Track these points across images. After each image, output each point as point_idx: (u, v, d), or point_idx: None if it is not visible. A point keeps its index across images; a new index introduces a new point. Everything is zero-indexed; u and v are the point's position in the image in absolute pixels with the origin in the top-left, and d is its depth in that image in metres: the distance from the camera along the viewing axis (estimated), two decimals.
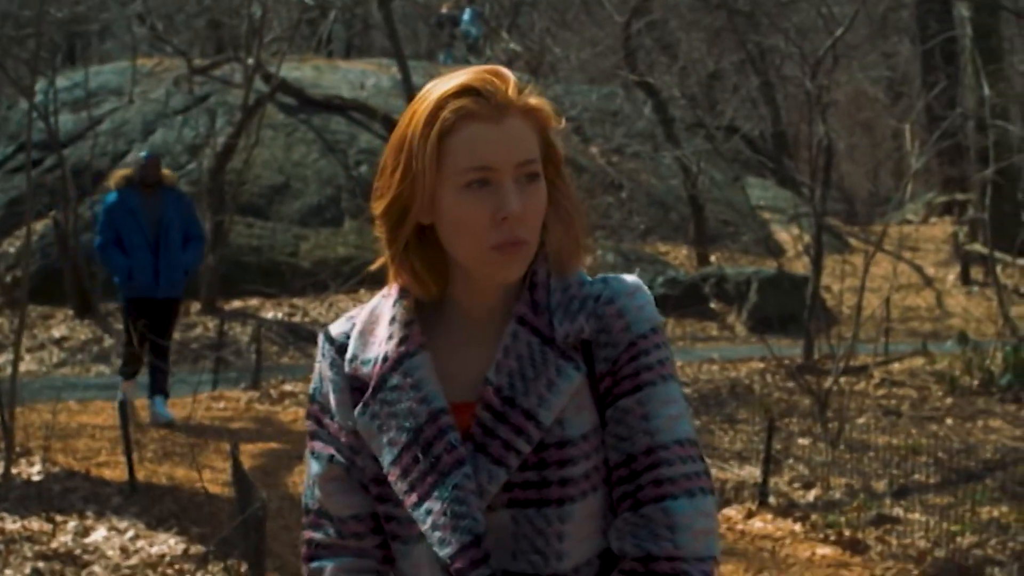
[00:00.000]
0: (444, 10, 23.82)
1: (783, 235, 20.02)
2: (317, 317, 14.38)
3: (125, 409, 7.46)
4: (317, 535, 1.89)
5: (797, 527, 6.60)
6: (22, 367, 12.98)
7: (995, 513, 6.80)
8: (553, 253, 1.81)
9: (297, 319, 14.47)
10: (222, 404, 10.33)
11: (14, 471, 7.52)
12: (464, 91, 1.73)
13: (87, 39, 18.93)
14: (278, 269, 15.33)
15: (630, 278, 1.83)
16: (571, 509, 1.76)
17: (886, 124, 25.40)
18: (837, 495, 7.20)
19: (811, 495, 7.23)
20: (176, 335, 14.07)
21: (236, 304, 14.81)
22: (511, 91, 1.75)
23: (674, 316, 14.79)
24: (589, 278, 1.83)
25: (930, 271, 18.94)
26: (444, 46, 23.22)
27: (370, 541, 1.87)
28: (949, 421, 9.31)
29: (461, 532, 1.74)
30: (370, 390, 1.82)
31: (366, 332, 1.86)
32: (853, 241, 20.93)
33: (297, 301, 14.96)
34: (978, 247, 16.95)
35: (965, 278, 17.88)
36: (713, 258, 18.17)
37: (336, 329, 1.90)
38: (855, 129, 26.11)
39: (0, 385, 8.90)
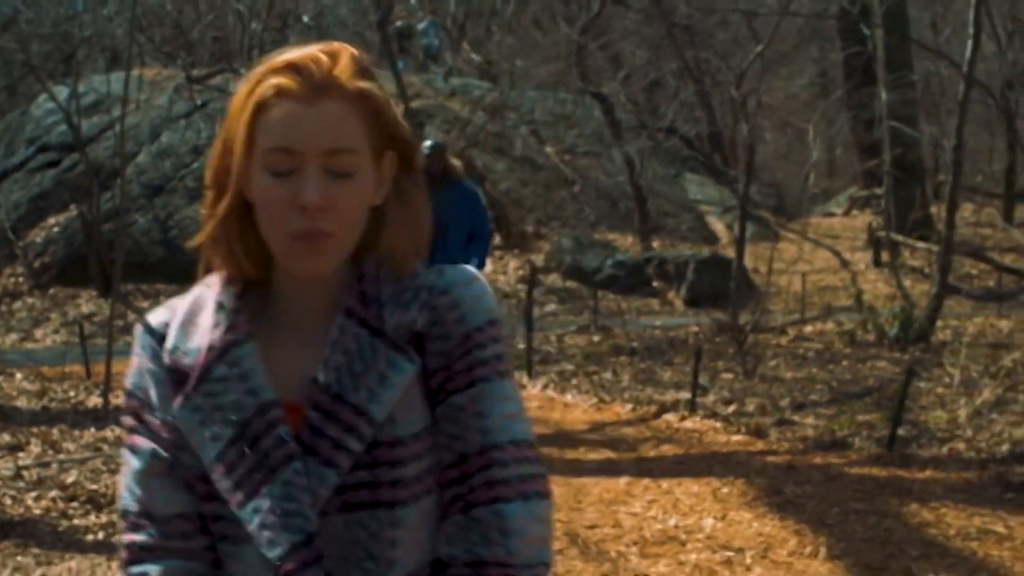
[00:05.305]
0: (398, 23, 24.90)
1: (717, 225, 22.20)
2: None
3: None
4: (139, 537, 1.67)
5: (718, 425, 8.80)
6: (58, 338, 15.05)
7: (867, 418, 8.99)
8: (387, 249, 1.66)
9: None
10: None
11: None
12: (286, 67, 1.58)
13: (87, 50, 20.84)
14: None
15: (467, 268, 1.69)
16: (403, 513, 1.62)
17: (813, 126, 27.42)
18: (750, 408, 9.39)
19: (730, 409, 9.40)
20: None
21: None
22: (339, 71, 1.58)
23: (622, 293, 17.03)
24: (424, 268, 1.68)
25: (848, 256, 21.16)
26: (401, 53, 24.59)
27: (198, 542, 1.67)
28: (845, 363, 11.52)
29: (291, 531, 1.59)
30: (193, 381, 1.64)
31: (187, 321, 1.68)
32: (781, 231, 23.09)
33: None
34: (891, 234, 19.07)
35: (876, 261, 19.73)
36: (655, 244, 19.82)
37: (155, 319, 1.71)
38: (787, 130, 28.16)
39: (85, 346, 10.94)
